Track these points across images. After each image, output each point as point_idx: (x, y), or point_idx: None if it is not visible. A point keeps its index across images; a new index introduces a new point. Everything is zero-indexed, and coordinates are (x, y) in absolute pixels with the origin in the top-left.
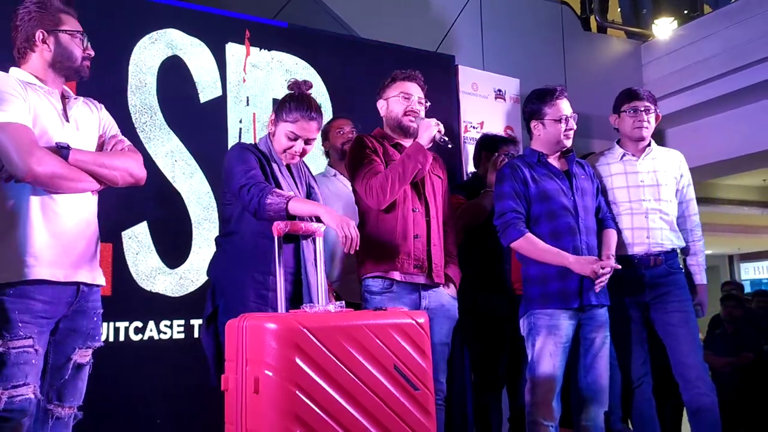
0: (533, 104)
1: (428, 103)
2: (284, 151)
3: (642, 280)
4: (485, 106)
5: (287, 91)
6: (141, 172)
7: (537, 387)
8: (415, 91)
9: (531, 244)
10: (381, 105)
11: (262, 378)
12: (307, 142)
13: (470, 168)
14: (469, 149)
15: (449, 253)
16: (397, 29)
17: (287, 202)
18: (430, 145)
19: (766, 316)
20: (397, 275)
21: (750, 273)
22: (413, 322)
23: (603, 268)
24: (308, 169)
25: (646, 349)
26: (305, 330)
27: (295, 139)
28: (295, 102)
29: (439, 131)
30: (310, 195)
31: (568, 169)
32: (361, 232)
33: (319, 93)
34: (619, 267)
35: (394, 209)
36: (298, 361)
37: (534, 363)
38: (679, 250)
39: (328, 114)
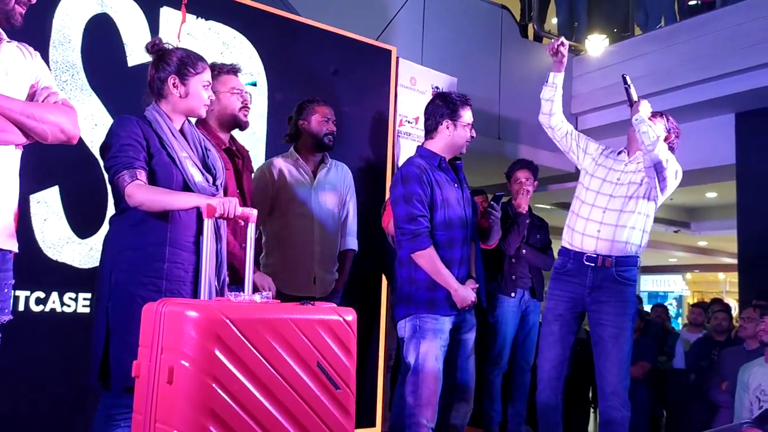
0: (451, 104)
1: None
2: (203, 104)
3: (585, 280)
4: (422, 101)
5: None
6: (74, 130)
7: (422, 389)
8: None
9: (432, 259)
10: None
11: (178, 368)
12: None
13: (400, 163)
14: (402, 143)
15: None
16: (338, 13)
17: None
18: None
19: (663, 327)
20: None
21: (649, 285)
22: (341, 319)
23: (474, 290)
24: (202, 133)
25: (567, 350)
26: (228, 321)
27: (210, 86)
28: (190, 55)
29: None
30: (207, 157)
31: (458, 177)
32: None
33: (256, 70)
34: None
35: None
36: (217, 353)
37: (419, 365)
38: (639, 263)
39: (263, 92)
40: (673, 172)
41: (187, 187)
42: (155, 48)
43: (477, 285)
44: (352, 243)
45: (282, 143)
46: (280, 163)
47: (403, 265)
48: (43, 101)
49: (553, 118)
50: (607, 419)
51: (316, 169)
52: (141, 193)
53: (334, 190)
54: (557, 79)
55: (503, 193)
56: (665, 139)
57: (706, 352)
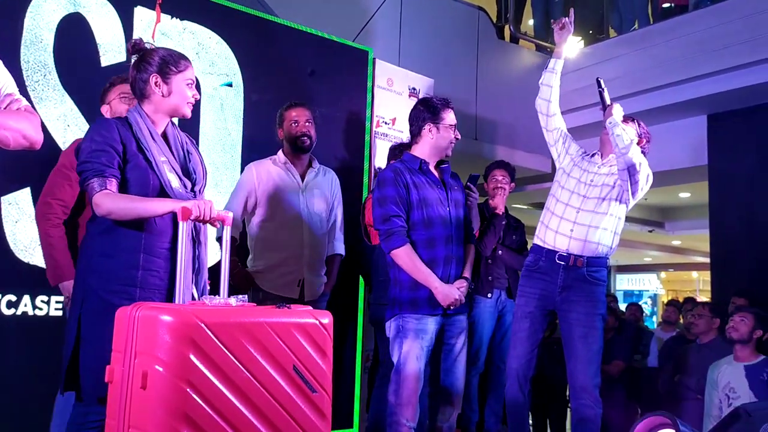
0: (432, 107)
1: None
2: (187, 103)
3: (556, 279)
4: (399, 102)
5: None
6: (37, 136)
7: (403, 388)
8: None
9: (409, 257)
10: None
11: (152, 373)
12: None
13: (377, 164)
14: (379, 144)
15: None
16: (315, 14)
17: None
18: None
19: (637, 326)
20: None
21: (624, 284)
22: (317, 322)
23: (460, 288)
24: (187, 136)
25: (535, 348)
26: (203, 325)
27: (194, 84)
28: (172, 54)
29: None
30: (189, 161)
31: (443, 180)
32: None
33: (232, 71)
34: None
35: None
36: (192, 357)
37: (401, 365)
38: (608, 263)
39: (239, 93)
40: (645, 175)
41: (163, 192)
42: (136, 48)
43: (465, 284)
44: (340, 248)
45: (258, 144)
46: (268, 165)
47: (390, 267)
48: (5, 108)
49: (551, 105)
50: (579, 418)
51: (304, 173)
52: (110, 201)
53: (322, 194)
54: (557, 65)
55: (479, 174)
56: (637, 144)
57: (679, 350)
